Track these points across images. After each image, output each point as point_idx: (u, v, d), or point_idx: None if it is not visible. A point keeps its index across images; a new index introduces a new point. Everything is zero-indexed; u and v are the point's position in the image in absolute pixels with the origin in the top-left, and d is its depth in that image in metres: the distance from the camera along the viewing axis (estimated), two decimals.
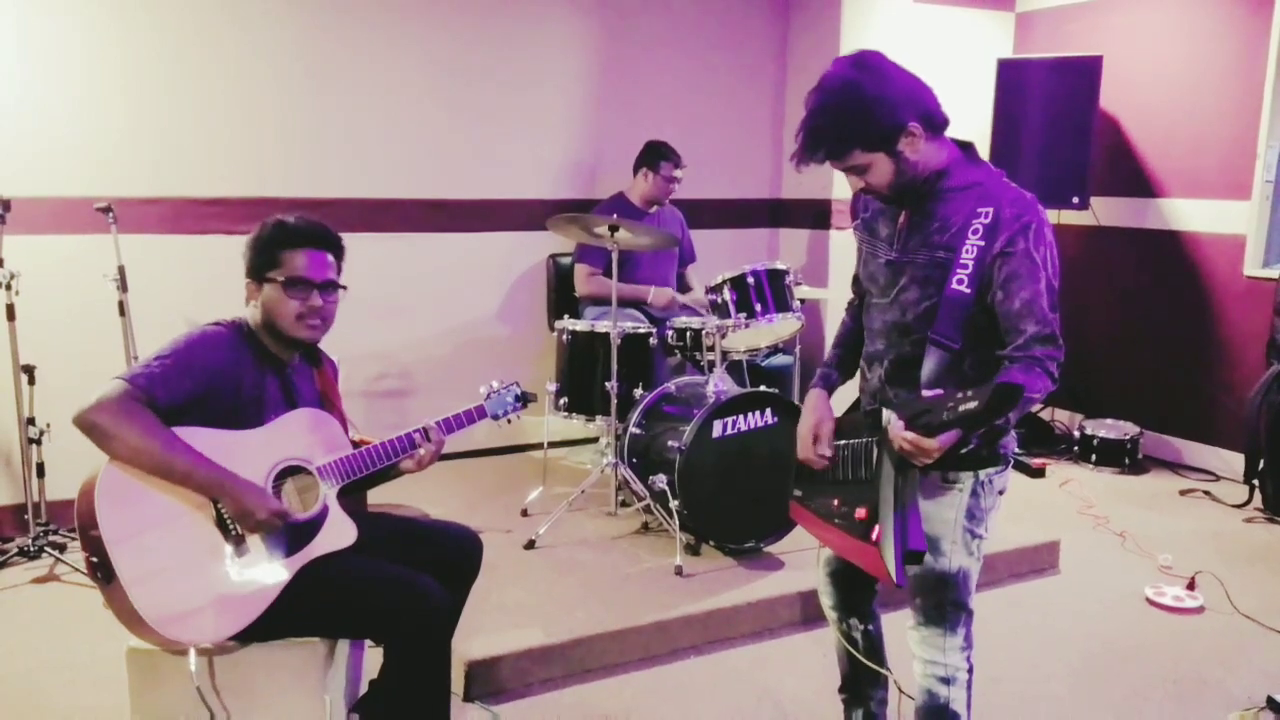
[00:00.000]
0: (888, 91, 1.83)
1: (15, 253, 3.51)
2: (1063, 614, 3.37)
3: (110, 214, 3.52)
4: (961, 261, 1.81)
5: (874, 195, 1.95)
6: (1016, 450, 4.93)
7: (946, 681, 2.04)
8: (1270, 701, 2.75)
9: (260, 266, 2.16)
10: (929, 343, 1.83)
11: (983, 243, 1.80)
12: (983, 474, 1.94)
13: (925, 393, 1.77)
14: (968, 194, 1.88)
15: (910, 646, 2.09)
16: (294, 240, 2.16)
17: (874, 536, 1.78)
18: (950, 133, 1.95)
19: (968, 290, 1.80)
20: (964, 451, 1.79)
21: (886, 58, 1.87)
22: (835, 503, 1.95)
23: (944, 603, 2.00)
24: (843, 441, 1.99)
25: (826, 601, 2.30)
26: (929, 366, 1.83)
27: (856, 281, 2.21)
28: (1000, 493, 2.01)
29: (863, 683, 2.34)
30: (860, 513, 1.83)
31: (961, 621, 2.02)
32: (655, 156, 4.39)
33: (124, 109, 3.87)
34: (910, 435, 1.69)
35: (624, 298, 4.16)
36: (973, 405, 1.58)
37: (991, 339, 1.86)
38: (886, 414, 1.80)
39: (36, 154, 3.74)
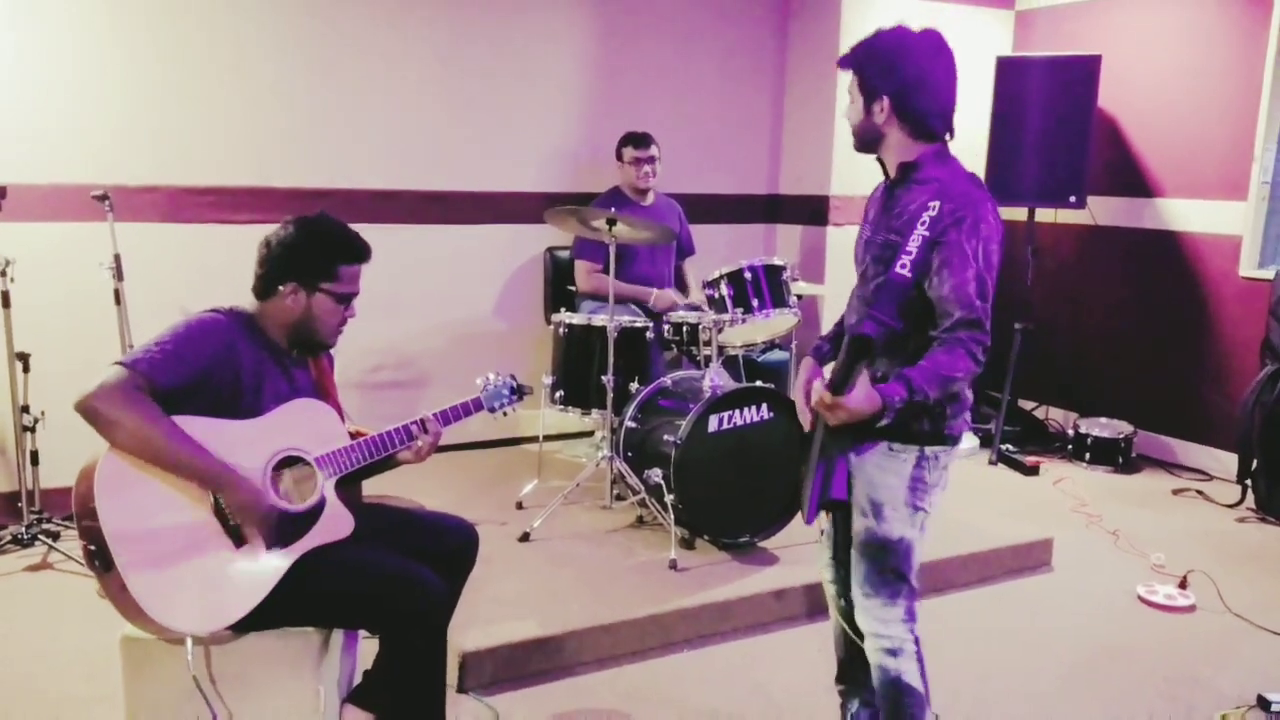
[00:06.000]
0: (901, 65, 2.05)
1: (11, 240, 3.51)
2: (1055, 611, 3.38)
3: (107, 201, 3.50)
4: (907, 248, 1.96)
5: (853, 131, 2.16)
6: (1006, 447, 4.91)
7: (893, 654, 2.13)
8: (1260, 700, 2.76)
9: (314, 275, 2.16)
10: (867, 318, 1.99)
11: (927, 233, 1.95)
12: (929, 450, 2.07)
13: None
14: (926, 188, 2.04)
15: (858, 623, 2.17)
16: (354, 256, 2.20)
17: (802, 487, 2.04)
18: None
19: (909, 274, 1.95)
20: (882, 425, 1.94)
21: (945, 51, 2.07)
22: (803, 470, 2.13)
23: (885, 569, 2.10)
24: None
25: (827, 575, 2.37)
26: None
27: None
28: (944, 469, 2.12)
29: (859, 669, 2.36)
30: (803, 470, 2.09)
31: (903, 594, 2.12)
32: (619, 145, 4.45)
33: (122, 96, 3.86)
34: (820, 390, 1.93)
35: (625, 296, 4.17)
36: (842, 359, 1.91)
37: (931, 323, 2.01)
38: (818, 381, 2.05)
39: (33, 140, 3.73)
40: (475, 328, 4.72)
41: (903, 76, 2.04)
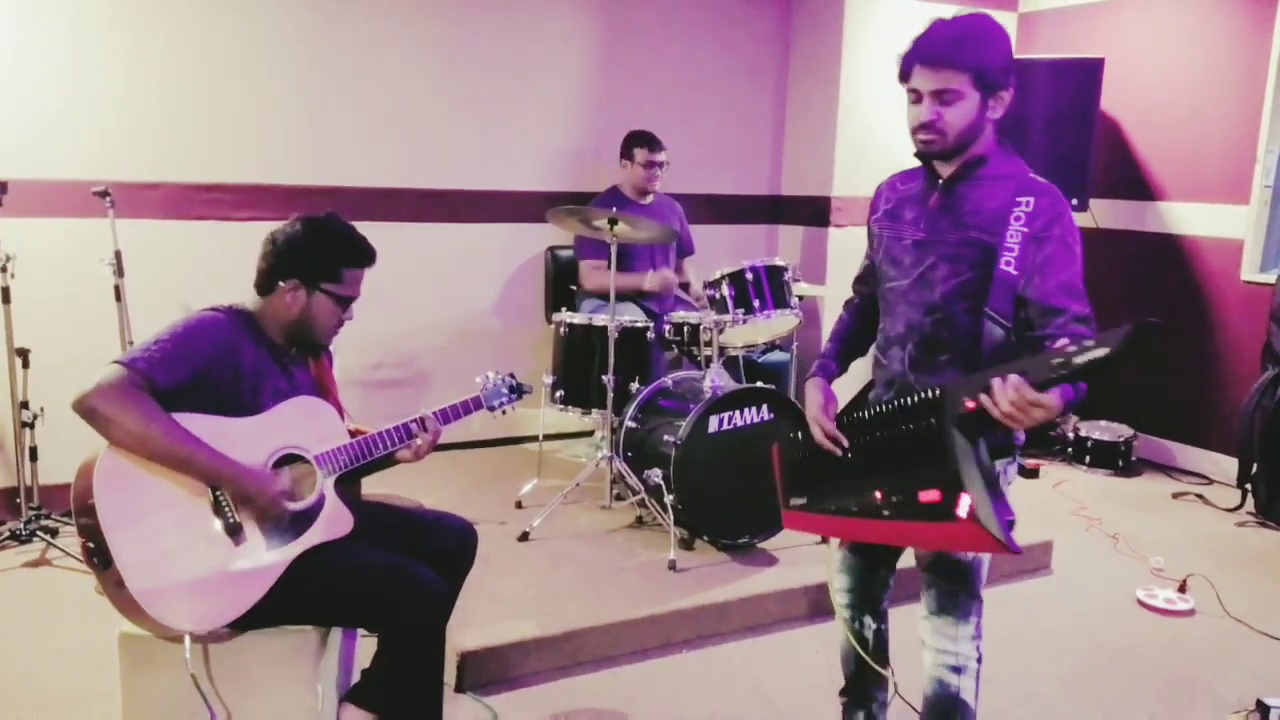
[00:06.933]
0: (1010, 52, 1.94)
1: (11, 235, 3.50)
2: (1054, 615, 3.38)
3: (108, 198, 3.50)
4: (1008, 245, 1.89)
5: (925, 141, 1.94)
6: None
7: (957, 670, 2.07)
8: (1260, 704, 2.76)
9: (317, 275, 2.16)
10: (985, 318, 1.89)
11: (1026, 229, 1.89)
12: (999, 464, 1.97)
13: (1048, 353, 1.69)
14: (1003, 183, 1.95)
15: (921, 636, 2.10)
16: (359, 259, 2.21)
17: (964, 513, 1.68)
18: None
19: (1016, 272, 1.88)
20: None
21: None
22: (877, 495, 1.86)
23: (959, 591, 2.05)
24: (879, 432, 1.92)
25: (841, 600, 2.27)
26: (989, 342, 1.89)
27: (861, 281, 2.26)
28: (1009, 484, 2.04)
29: (868, 684, 2.32)
30: (928, 495, 1.74)
31: (974, 610, 2.07)
32: (630, 144, 4.41)
33: (124, 93, 3.86)
34: (1023, 387, 1.61)
35: (625, 288, 4.16)
36: (1100, 353, 1.48)
37: (1026, 324, 1.92)
38: (948, 390, 1.75)
39: (34, 136, 3.73)
40: (476, 326, 4.72)
41: (1011, 64, 1.95)
